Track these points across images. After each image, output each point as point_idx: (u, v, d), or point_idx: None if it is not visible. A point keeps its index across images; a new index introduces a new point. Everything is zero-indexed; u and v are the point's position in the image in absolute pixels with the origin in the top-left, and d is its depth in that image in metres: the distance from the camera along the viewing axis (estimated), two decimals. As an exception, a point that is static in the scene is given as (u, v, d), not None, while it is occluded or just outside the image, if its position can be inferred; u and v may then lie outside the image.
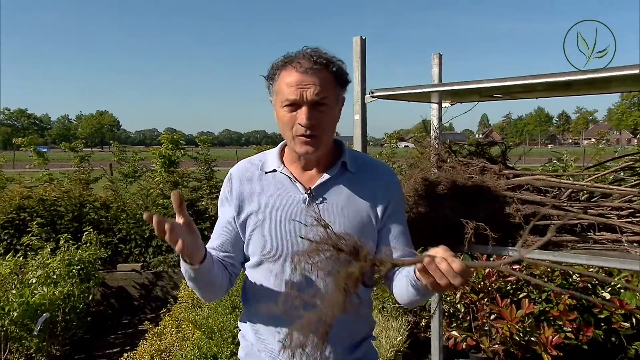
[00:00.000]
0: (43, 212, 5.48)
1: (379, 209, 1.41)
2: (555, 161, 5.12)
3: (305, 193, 1.37)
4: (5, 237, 5.37)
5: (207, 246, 1.37)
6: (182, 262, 1.27)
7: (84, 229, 5.26)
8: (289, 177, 1.40)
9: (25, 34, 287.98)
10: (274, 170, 1.43)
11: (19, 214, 5.39)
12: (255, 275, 1.43)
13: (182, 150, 7.89)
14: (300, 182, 1.39)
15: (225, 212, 1.46)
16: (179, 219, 1.17)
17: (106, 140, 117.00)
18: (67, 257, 4.56)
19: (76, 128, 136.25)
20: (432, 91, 1.96)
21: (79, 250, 4.81)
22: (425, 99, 2.32)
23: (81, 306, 4.52)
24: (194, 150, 8.42)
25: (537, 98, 2.14)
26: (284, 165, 1.43)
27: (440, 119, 2.41)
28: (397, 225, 1.44)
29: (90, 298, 4.91)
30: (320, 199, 1.38)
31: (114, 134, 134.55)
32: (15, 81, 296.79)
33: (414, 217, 1.78)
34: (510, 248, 1.65)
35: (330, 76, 1.32)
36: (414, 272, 1.19)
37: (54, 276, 4.20)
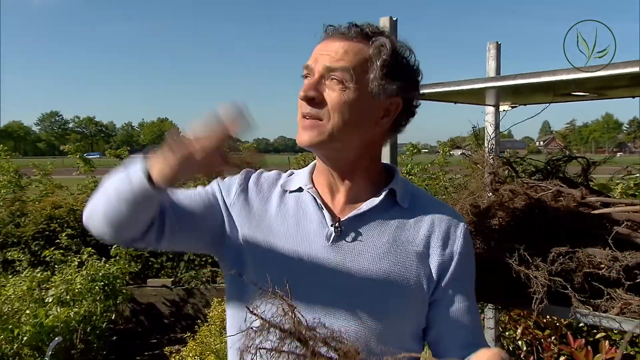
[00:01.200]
0: (74, 223, 5.32)
1: (435, 268, 1.03)
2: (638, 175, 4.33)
3: (332, 225, 1.01)
4: (36, 249, 5.23)
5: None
6: (127, 173, 0.90)
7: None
8: (315, 200, 1.05)
9: (92, 46, 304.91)
10: (299, 190, 1.09)
11: (49, 225, 5.25)
12: (234, 301, 1.09)
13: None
14: (328, 209, 1.04)
15: (212, 190, 1.11)
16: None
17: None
18: (91, 272, 4.34)
19: (139, 135, 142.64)
20: (489, 87, 1.44)
21: (107, 265, 4.59)
22: (478, 100, 1.80)
23: (103, 325, 4.27)
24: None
25: (633, 97, 1.58)
26: (313, 185, 1.08)
27: (497, 126, 1.88)
28: (461, 297, 1.04)
29: (114, 316, 4.65)
30: (352, 235, 1.02)
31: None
32: (85, 90, 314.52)
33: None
34: (605, 315, 1.12)
35: (367, 51, 0.99)
36: None
37: (73, 294, 3.95)
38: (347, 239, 1.01)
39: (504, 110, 1.86)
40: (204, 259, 5.56)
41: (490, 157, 1.54)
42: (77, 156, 8.57)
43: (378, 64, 0.98)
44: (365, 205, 1.03)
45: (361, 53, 0.98)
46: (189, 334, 4.19)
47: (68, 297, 3.90)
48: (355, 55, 0.98)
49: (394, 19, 1.49)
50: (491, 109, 1.87)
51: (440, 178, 6.16)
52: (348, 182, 1.05)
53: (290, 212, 1.07)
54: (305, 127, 0.99)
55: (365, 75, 0.98)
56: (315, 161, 1.12)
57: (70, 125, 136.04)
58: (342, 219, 1.02)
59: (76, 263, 4.51)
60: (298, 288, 0.83)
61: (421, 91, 1.34)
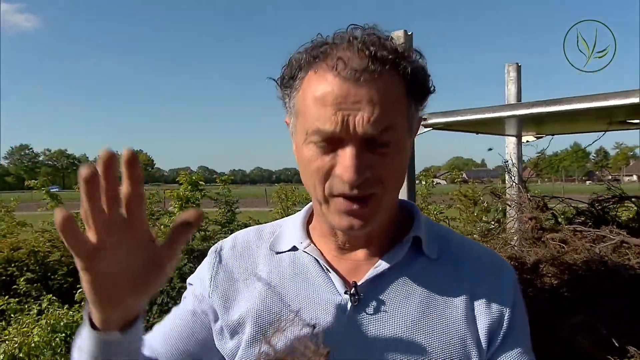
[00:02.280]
0: (34, 266, 4.86)
1: (485, 331, 0.80)
2: None
3: (347, 293, 0.80)
4: (-9, 296, 4.73)
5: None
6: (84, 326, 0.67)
7: (79, 286, 4.59)
8: (318, 262, 0.83)
9: (65, 79, 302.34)
10: (294, 249, 0.87)
11: (7, 269, 4.78)
12: None
13: (201, 192, 7.47)
14: (337, 273, 0.83)
15: (190, 302, 0.90)
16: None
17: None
18: (52, 322, 3.90)
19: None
20: (521, 115, 1.19)
21: (70, 311, 4.16)
22: (498, 130, 1.56)
23: (64, 383, 3.79)
24: (219, 189, 8.01)
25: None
26: (311, 241, 0.87)
27: (519, 159, 1.63)
28: (520, 356, 0.80)
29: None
30: (374, 303, 0.80)
31: (148, 172, 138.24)
32: (54, 123, 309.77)
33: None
34: None
35: (401, 84, 0.75)
36: None
37: (29, 348, 3.50)
38: (367, 310, 0.79)
39: (527, 142, 1.61)
40: (178, 301, 5.14)
41: (526, 196, 1.27)
42: (44, 191, 8.14)
43: (412, 96, 0.77)
44: (385, 262, 0.81)
45: (395, 90, 0.74)
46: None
47: (22, 353, 3.44)
48: (393, 97, 0.74)
49: (409, 33, 1.25)
50: (513, 140, 1.62)
51: (427, 210, 5.92)
52: (365, 240, 0.84)
53: (286, 280, 0.85)
54: (351, 212, 0.75)
55: (404, 116, 0.77)
56: (308, 206, 0.92)
57: (41, 158, 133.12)
58: (358, 283, 0.80)
59: (35, 311, 4.07)
60: None
61: (445, 120, 1.06)
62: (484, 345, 0.80)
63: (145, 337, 0.82)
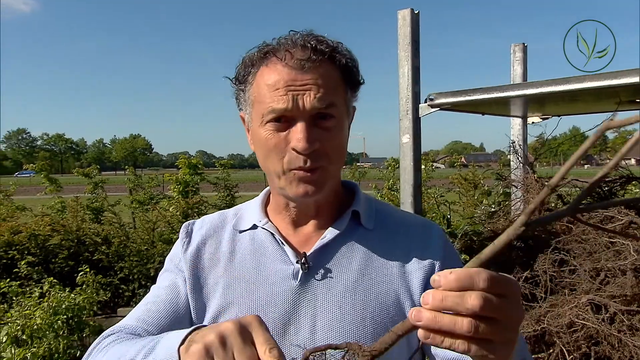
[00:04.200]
0: (35, 249, 4.85)
1: (417, 283, 0.92)
2: None
3: (299, 262, 0.92)
4: (-8, 279, 4.73)
5: (119, 324, 0.95)
6: None
7: (80, 268, 4.60)
8: (273, 236, 0.96)
9: (63, 62, 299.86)
10: (254, 227, 0.99)
11: (7, 252, 4.77)
12: None
13: (200, 175, 7.46)
14: (290, 245, 0.95)
15: (166, 278, 1.00)
16: None
17: (139, 163, 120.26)
18: (54, 305, 3.91)
19: (110, 152, 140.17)
20: (529, 95, 1.17)
21: (72, 294, 4.17)
22: (504, 111, 1.54)
23: (67, 364, 3.82)
24: (218, 173, 8.01)
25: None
26: (268, 219, 0.99)
27: (525, 140, 1.62)
28: None
29: (79, 353, 4.21)
30: (321, 270, 0.92)
31: (146, 157, 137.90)
32: (53, 107, 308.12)
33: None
34: None
35: (337, 72, 0.90)
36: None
37: (32, 331, 3.52)
38: (316, 276, 0.91)
39: (533, 123, 1.60)
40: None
41: (533, 178, 1.26)
42: (42, 175, 8.13)
43: (349, 86, 0.93)
44: (329, 234, 0.94)
45: (338, 79, 0.90)
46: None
47: (24, 335, 3.45)
48: (335, 83, 0.89)
49: (415, 11, 1.22)
50: (518, 121, 1.61)
51: (428, 193, 5.92)
52: (315, 211, 0.97)
53: (246, 254, 0.97)
54: (305, 180, 0.88)
55: (344, 100, 0.92)
56: (265, 190, 1.06)
57: (39, 142, 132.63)
58: (307, 253, 0.92)
59: (37, 294, 4.07)
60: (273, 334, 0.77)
61: (451, 100, 1.05)
62: (417, 298, 0.90)
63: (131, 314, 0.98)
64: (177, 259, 1.01)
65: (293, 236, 0.98)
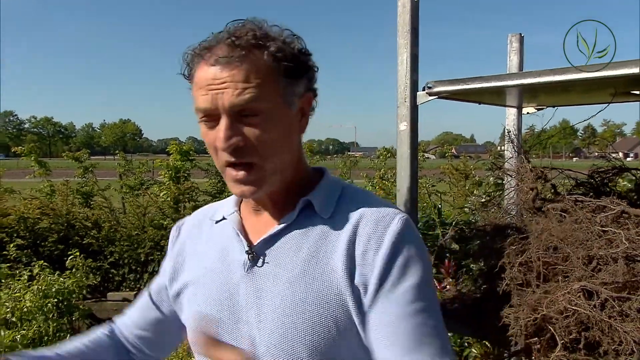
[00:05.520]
0: (24, 232, 4.82)
1: (360, 282, 0.85)
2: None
3: (247, 252, 0.93)
4: (-20, 262, 4.70)
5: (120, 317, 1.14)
6: None
7: (70, 253, 4.58)
8: (233, 228, 0.98)
9: (52, 46, 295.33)
10: (223, 219, 1.03)
11: (-4, 235, 4.74)
12: None
13: (192, 162, 7.41)
14: (245, 235, 0.96)
15: (160, 277, 1.11)
16: None
17: (128, 148, 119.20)
18: (43, 288, 3.90)
19: (100, 136, 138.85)
20: (527, 84, 1.18)
21: (61, 278, 4.16)
22: (499, 100, 1.55)
23: (56, 347, 3.83)
24: (209, 160, 7.97)
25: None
26: (238, 209, 1.01)
27: (519, 130, 1.63)
28: (395, 305, 0.83)
29: (69, 335, 4.21)
30: (266, 259, 0.92)
31: (136, 142, 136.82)
32: (41, 90, 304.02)
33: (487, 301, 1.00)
34: None
35: (267, 62, 0.86)
36: None
37: (21, 313, 3.52)
38: (258, 265, 0.92)
39: (527, 113, 1.61)
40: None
41: (527, 167, 1.28)
42: (32, 158, 8.04)
43: (282, 72, 0.87)
44: (278, 225, 0.93)
45: (261, 69, 0.85)
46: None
47: (14, 317, 3.45)
48: (257, 75, 0.85)
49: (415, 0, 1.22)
50: (513, 111, 1.62)
51: (421, 184, 5.94)
52: (270, 201, 0.96)
53: (216, 243, 1.01)
54: (238, 179, 0.88)
55: (276, 91, 0.87)
56: None
57: (27, 125, 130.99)
58: (254, 244, 0.94)
59: (26, 277, 4.06)
60: (226, 324, 0.92)
61: (450, 88, 1.06)
62: (365, 292, 0.85)
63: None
64: (169, 250, 1.10)
65: (253, 226, 0.98)
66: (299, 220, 0.93)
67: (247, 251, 0.93)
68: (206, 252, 1.01)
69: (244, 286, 0.92)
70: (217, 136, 0.86)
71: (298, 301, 0.86)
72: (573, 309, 0.91)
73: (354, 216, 0.91)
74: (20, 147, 7.92)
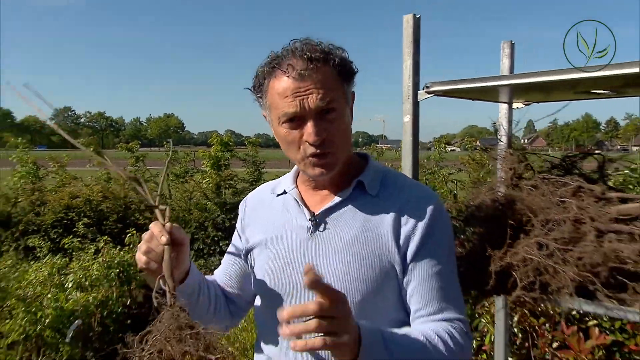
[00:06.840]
0: (90, 212, 5.24)
1: (404, 244, 1.05)
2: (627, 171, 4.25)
3: (309, 220, 1.10)
4: (55, 236, 5.15)
5: (213, 274, 1.30)
6: None
7: (128, 231, 4.96)
8: (296, 200, 1.15)
9: (98, 45, 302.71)
10: (284, 192, 1.20)
11: (67, 214, 5.17)
12: (258, 311, 1.22)
13: (231, 152, 7.71)
14: (307, 207, 1.13)
15: (234, 240, 1.29)
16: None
17: (172, 140, 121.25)
18: (107, 260, 4.28)
19: (146, 129, 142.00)
20: (503, 85, 1.38)
21: (122, 252, 4.53)
22: (492, 97, 1.75)
23: (119, 310, 4.20)
24: (247, 151, 8.25)
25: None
26: (295, 186, 1.18)
27: (510, 122, 1.83)
28: (430, 263, 1.04)
29: (129, 301, 4.58)
30: (326, 226, 1.10)
31: (179, 135, 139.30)
32: (96, 88, 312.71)
33: (478, 257, 1.23)
34: (632, 310, 1.07)
35: (333, 72, 1.04)
36: None
37: (91, 280, 3.89)
38: (320, 230, 1.09)
39: (517, 108, 1.80)
40: (212, 248, 5.50)
41: (509, 152, 1.48)
42: (92, 149, 8.53)
43: (344, 79, 1.06)
44: (337, 198, 1.10)
45: (334, 78, 1.03)
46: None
47: (87, 282, 3.83)
48: (332, 82, 1.02)
49: (417, 16, 1.43)
50: (504, 106, 1.81)
51: (439, 173, 6.10)
52: (329, 182, 1.12)
53: (279, 213, 1.17)
54: (319, 165, 1.04)
55: (342, 93, 1.05)
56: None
57: (82, 120, 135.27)
58: (316, 213, 1.10)
59: (92, 250, 4.45)
60: (289, 276, 1.08)
61: (444, 88, 1.27)
62: (405, 254, 1.04)
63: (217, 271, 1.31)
64: (239, 224, 1.28)
65: (311, 199, 1.14)
66: (352, 196, 1.10)
67: (310, 219, 1.10)
68: (271, 219, 1.17)
69: (306, 244, 1.09)
70: (306, 132, 1.01)
71: (356, 255, 1.04)
72: (529, 257, 1.13)
73: (397, 194, 1.10)
74: (82, 140, 8.43)
